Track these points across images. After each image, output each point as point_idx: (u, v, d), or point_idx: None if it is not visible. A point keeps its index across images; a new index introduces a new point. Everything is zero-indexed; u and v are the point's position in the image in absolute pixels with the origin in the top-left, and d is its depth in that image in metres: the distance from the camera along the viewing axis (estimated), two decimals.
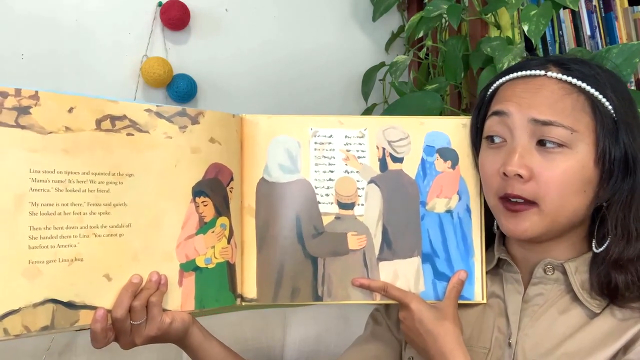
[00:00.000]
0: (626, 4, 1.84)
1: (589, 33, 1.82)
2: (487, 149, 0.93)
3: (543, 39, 1.77)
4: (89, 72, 1.71)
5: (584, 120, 0.86)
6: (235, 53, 1.87)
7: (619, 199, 0.87)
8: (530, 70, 0.90)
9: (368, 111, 1.89)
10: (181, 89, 1.75)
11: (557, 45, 1.79)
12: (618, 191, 0.87)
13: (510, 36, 1.55)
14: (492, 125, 0.91)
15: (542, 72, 0.89)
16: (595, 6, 1.84)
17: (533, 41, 1.44)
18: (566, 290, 0.91)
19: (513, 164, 0.86)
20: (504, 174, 0.87)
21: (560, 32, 1.80)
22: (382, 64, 1.91)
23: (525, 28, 1.43)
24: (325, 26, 1.98)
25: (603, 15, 1.84)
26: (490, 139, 0.91)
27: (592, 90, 0.87)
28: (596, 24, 1.83)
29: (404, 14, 2.07)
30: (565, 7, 1.50)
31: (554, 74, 0.88)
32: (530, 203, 0.87)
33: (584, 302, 0.88)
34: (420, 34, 1.73)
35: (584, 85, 0.87)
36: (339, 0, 2.01)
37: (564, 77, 0.88)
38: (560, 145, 0.85)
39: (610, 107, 0.87)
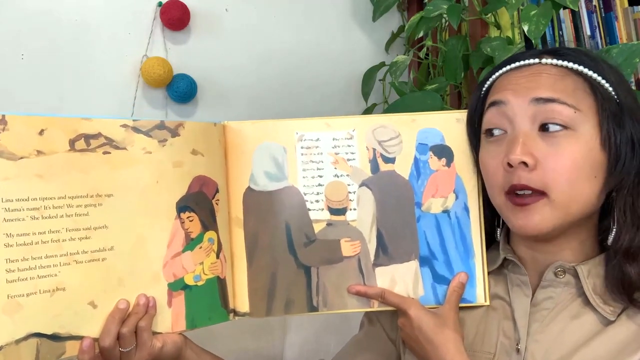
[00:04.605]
0: (626, 4, 1.83)
1: (589, 33, 1.81)
2: (486, 144, 0.88)
3: (543, 39, 1.76)
4: (88, 72, 1.69)
5: (586, 101, 0.83)
6: (235, 53, 1.85)
7: (627, 184, 0.83)
8: (525, 60, 0.87)
9: (368, 111, 1.87)
10: (181, 89, 1.73)
11: (557, 45, 1.76)
12: (626, 175, 0.83)
13: (510, 36, 1.53)
14: (490, 117, 0.87)
15: (537, 60, 0.86)
16: (595, 6, 1.82)
17: (533, 41, 1.42)
18: (577, 293, 0.86)
19: (516, 152, 0.81)
20: (508, 164, 0.82)
21: (560, 32, 1.79)
22: (382, 64, 1.88)
23: (525, 28, 1.41)
24: (325, 26, 1.97)
25: (603, 15, 1.83)
26: (489, 132, 0.88)
27: (590, 73, 0.84)
28: (596, 24, 1.82)
29: (404, 14, 2.05)
30: (565, 7, 1.48)
31: (549, 60, 0.86)
32: (539, 194, 0.82)
33: (597, 307, 0.84)
34: (420, 34, 1.72)
35: (580, 67, 0.84)
36: (339, 0, 1.99)
37: (559, 62, 0.85)
38: (564, 127, 0.81)
39: (611, 89, 0.83)
